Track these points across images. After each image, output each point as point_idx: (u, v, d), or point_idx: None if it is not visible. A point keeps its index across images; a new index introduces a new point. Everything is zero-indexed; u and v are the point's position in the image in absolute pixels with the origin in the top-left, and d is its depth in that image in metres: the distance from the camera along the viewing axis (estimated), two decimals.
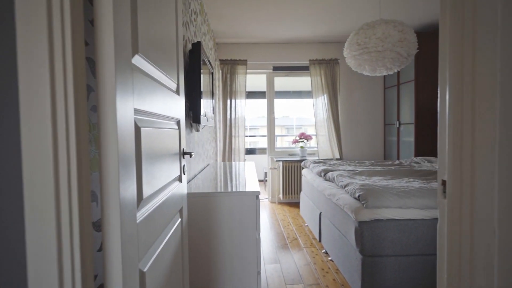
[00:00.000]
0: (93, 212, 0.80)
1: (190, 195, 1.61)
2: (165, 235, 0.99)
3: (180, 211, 1.23)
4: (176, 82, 1.20)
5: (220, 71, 4.28)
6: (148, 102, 0.83)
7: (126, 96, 0.67)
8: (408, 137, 3.93)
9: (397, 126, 4.16)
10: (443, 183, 0.59)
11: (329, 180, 2.49)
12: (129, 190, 0.68)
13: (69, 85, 0.60)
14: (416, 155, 3.73)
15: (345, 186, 2.03)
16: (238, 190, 1.70)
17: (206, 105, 2.35)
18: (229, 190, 1.72)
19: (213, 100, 2.95)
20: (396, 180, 2.22)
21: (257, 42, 4.37)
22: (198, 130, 2.33)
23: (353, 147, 4.59)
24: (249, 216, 1.69)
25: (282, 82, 4.83)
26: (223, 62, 4.25)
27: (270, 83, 4.63)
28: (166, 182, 1.00)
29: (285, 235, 3.18)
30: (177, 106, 1.20)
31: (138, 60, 0.76)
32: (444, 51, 0.59)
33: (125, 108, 0.66)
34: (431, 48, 3.62)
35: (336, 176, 2.31)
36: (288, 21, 3.54)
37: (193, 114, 1.93)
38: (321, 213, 2.60)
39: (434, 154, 3.74)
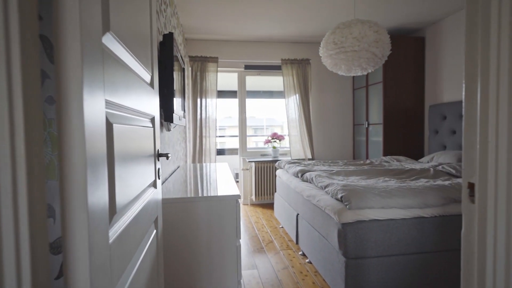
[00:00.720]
0: (49, 231, 0.64)
1: (164, 201, 1.45)
2: (140, 253, 0.84)
3: (155, 221, 1.08)
4: (151, 74, 1.05)
5: (190, 69, 4.09)
6: (122, 94, 0.69)
7: (95, 84, 0.53)
8: (377, 137, 4.05)
9: (366, 126, 4.27)
10: (470, 186, 0.54)
11: (306, 181, 2.44)
12: (100, 201, 0.53)
13: (15, 69, 0.45)
14: (385, 154, 3.85)
15: (325, 187, 1.99)
16: (216, 194, 1.57)
17: (177, 103, 2.18)
18: (206, 194, 1.59)
19: (184, 98, 2.78)
20: (373, 180, 2.23)
21: (229, 40, 4.24)
22: (169, 130, 2.16)
23: (324, 147, 4.64)
24: (228, 221, 1.57)
25: (253, 81, 4.75)
26: (192, 59, 4.06)
27: (242, 82, 4.52)
28: (141, 189, 0.85)
29: (260, 238, 3.09)
30: (151, 102, 1.05)
31: (109, 40, 0.62)
32: (472, 48, 0.53)
33: (94, 99, 0.52)
34: (398, 51, 3.76)
35: (315, 176, 2.26)
36: (261, 18, 3.46)
37: (164, 112, 1.76)
38: (298, 214, 2.55)
39: (402, 153, 3.88)
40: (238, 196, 1.59)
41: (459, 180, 2.23)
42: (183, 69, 2.58)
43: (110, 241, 0.59)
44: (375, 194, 1.68)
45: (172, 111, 1.72)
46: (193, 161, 4.11)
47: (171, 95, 1.72)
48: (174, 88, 1.83)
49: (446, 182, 1.93)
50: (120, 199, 0.65)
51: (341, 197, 1.70)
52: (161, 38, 1.88)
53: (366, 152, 4.32)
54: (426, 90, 3.90)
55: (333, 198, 1.83)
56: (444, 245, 1.72)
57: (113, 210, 0.61)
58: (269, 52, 4.39)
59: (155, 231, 1.06)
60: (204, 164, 3.20)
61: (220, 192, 1.62)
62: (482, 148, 0.48)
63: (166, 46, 1.71)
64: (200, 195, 1.57)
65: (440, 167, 2.61)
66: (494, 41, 0.46)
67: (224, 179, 2.06)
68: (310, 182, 2.34)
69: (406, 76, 3.87)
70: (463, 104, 0.55)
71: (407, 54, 3.84)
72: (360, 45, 2.29)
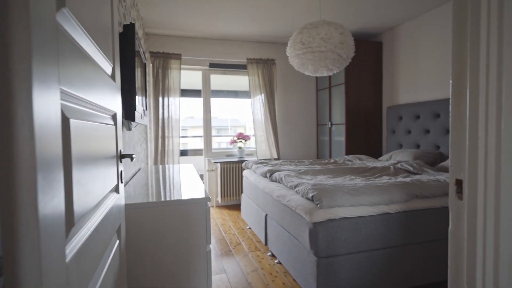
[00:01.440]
0: None
1: (126, 207, 1.32)
2: (102, 268, 0.73)
3: (118, 230, 0.96)
4: (112, 65, 0.93)
5: (151, 65, 3.87)
6: (80, 85, 0.58)
7: (48, 69, 0.43)
8: (339, 136, 4.19)
9: (329, 126, 4.40)
10: (458, 182, 0.54)
11: (275, 181, 2.42)
12: (54, 213, 0.44)
13: None
14: (347, 153, 4.00)
15: (295, 186, 1.98)
16: (184, 198, 1.47)
17: (139, 100, 2.03)
18: (173, 198, 1.48)
19: (146, 96, 2.61)
20: (340, 178, 2.28)
21: (193, 36, 4.10)
22: (130, 129, 2.00)
23: (289, 147, 4.70)
24: (197, 226, 1.48)
25: (218, 80, 4.65)
26: (154, 55, 3.85)
27: (206, 80, 4.40)
28: (102, 196, 0.75)
29: (228, 240, 3.01)
30: (113, 96, 0.93)
31: (65, 19, 0.51)
32: (461, 44, 0.53)
33: (46, 87, 0.42)
34: (358, 54, 3.92)
35: (284, 176, 2.25)
36: (227, 16, 3.39)
37: (125, 109, 1.62)
38: (267, 215, 2.52)
39: (363, 152, 4.06)
40: (208, 199, 1.51)
41: (417, 176, 2.36)
42: (145, 64, 2.42)
43: (67, 259, 0.49)
44: (344, 192, 1.70)
45: (134, 108, 1.59)
46: (155, 162, 3.90)
47: (133, 91, 1.59)
48: (136, 84, 1.69)
49: (407, 179, 2.03)
50: (79, 208, 0.55)
51: (312, 196, 1.70)
52: (121, 29, 1.73)
53: (329, 151, 4.45)
54: (384, 92, 4.13)
55: (304, 197, 1.83)
56: (408, 239, 1.80)
57: (70, 222, 0.51)
58: (234, 51, 4.33)
59: (118, 241, 0.94)
60: (167, 165, 3.04)
61: (188, 196, 1.52)
62: (472, 144, 0.48)
63: (127, 38, 1.57)
64: (165, 199, 1.46)
65: (399, 165, 2.75)
66: (484, 38, 0.46)
67: (191, 181, 1.96)
68: (279, 182, 2.32)
69: (365, 78, 4.06)
70: (450, 101, 0.55)
71: (366, 58, 4.03)
72: (326, 46, 2.33)
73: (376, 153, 4.15)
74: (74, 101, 0.56)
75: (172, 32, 3.91)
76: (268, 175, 2.54)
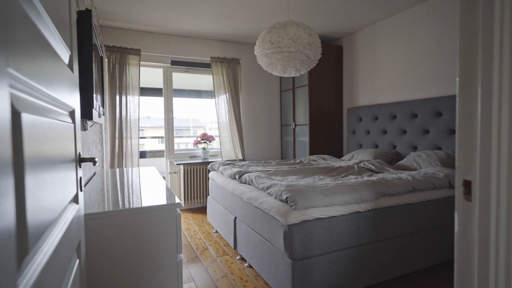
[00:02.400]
0: None
1: (86, 217, 1.16)
2: None
3: (78, 247, 0.82)
4: (70, 52, 0.79)
5: (107, 60, 3.57)
6: (34, 70, 0.46)
7: None
8: (303, 137, 4.26)
9: (293, 127, 4.45)
10: (466, 183, 0.52)
11: (245, 183, 2.36)
12: (1, 239, 0.32)
13: None
14: (311, 153, 4.07)
15: (267, 188, 1.93)
16: (150, 204, 1.34)
17: (96, 97, 1.82)
18: (137, 205, 1.34)
19: (103, 93, 2.39)
20: (309, 179, 2.28)
21: (154, 31, 3.87)
22: (85, 129, 1.79)
23: (254, 147, 4.66)
24: (167, 235, 1.36)
25: (180, 79, 4.45)
26: (109, 49, 3.56)
27: (168, 78, 4.18)
28: (61, 209, 0.61)
29: (194, 246, 2.87)
30: (71, 89, 0.79)
31: None
32: (470, 41, 0.51)
33: None
34: (322, 57, 4.01)
35: (255, 178, 2.19)
36: (191, 11, 3.24)
37: (81, 107, 1.43)
38: (236, 218, 2.44)
39: (326, 152, 4.17)
40: (178, 205, 1.39)
41: (380, 175, 2.46)
42: (101, 58, 2.19)
43: None
44: (318, 193, 1.69)
45: (92, 106, 1.41)
46: (112, 166, 3.60)
47: (90, 85, 1.41)
48: (94, 75, 1.51)
49: (374, 178, 2.09)
50: (34, 228, 0.43)
51: (287, 198, 1.66)
52: (75, 15, 1.52)
53: (293, 151, 4.50)
54: (344, 94, 4.28)
55: (277, 199, 1.78)
56: (377, 236, 1.85)
57: (23, 249, 0.39)
58: (198, 49, 4.18)
59: (77, 260, 0.80)
60: (126, 169, 2.81)
61: (155, 202, 1.39)
62: (484, 144, 0.47)
63: (83, 25, 1.39)
64: (129, 206, 1.31)
65: (362, 164, 2.85)
66: (497, 33, 0.45)
67: (156, 186, 1.81)
68: (250, 184, 2.26)
69: (327, 81, 4.18)
70: (457, 99, 0.53)
71: (328, 61, 4.15)
72: (295, 46, 2.33)
73: (337, 153, 4.29)
74: (27, 91, 0.44)
75: (130, 26, 3.65)
76: (237, 176, 2.46)
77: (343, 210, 1.73)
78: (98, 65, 2.11)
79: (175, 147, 6.05)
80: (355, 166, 2.77)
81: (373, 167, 2.71)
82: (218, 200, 2.92)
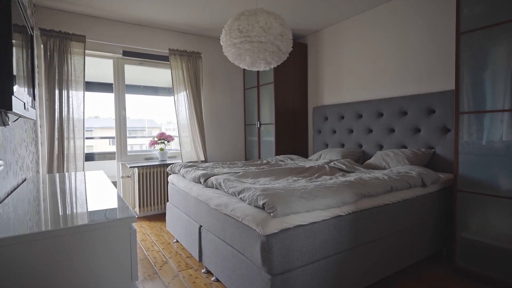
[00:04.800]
0: None
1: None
2: None
3: None
4: None
5: (42, 46, 3.04)
6: None
7: None
8: (268, 136, 4.10)
9: (258, 126, 4.27)
10: None
11: (212, 187, 2.10)
12: None
13: None
14: (277, 153, 3.93)
15: (239, 193, 1.70)
16: (96, 220, 1.04)
17: (22, 85, 1.44)
18: (76, 222, 1.03)
19: (34, 84, 1.96)
20: (282, 180, 2.10)
21: (102, 16, 3.40)
22: (6, 124, 1.39)
23: (216, 148, 4.39)
24: (119, 259, 1.06)
25: (134, 74, 4.01)
26: (46, 33, 3.03)
27: (120, 71, 3.73)
28: None
29: (152, 260, 2.53)
30: None
31: None
32: None
33: None
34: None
35: (223, 181, 1.94)
36: None
37: None
38: (201, 227, 2.17)
39: (291, 152, 4.05)
40: (133, 219, 1.10)
41: (352, 175, 2.38)
42: (31, 37, 1.77)
43: None
44: (298, 197, 1.51)
45: (10, 92, 1.05)
46: (50, 170, 3.07)
47: (9, 66, 1.05)
48: (15, 60, 1.15)
49: (352, 178, 1.98)
50: None
51: (264, 203, 1.45)
52: None
53: (258, 152, 4.32)
54: (309, 93, 4.22)
55: (252, 205, 1.56)
56: (358, 241, 1.72)
57: None
58: (154, 39, 3.79)
59: None
60: (67, 174, 2.37)
61: (102, 216, 1.08)
62: None
63: None
64: (66, 225, 1.00)
65: (332, 164, 2.76)
66: None
67: (105, 194, 1.47)
68: (217, 188, 2.01)
69: (292, 79, 4.07)
70: None
71: (294, 58, 4.04)
72: (266, 36, 2.13)
73: (303, 153, 4.21)
74: None
75: (74, 8, 3.15)
76: (202, 180, 2.19)
77: (324, 214, 1.57)
78: (28, 51, 1.70)
79: (129, 148, 5.51)
80: (326, 166, 2.66)
81: (344, 167, 2.63)
82: (180, 206, 2.61)
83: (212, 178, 2.10)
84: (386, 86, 3.17)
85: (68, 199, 1.41)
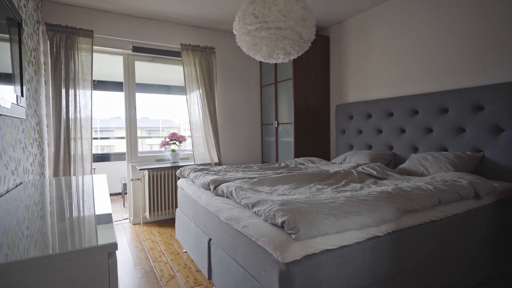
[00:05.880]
0: None
1: None
2: None
3: None
4: None
5: (48, 42, 2.88)
6: None
7: None
8: (287, 137, 3.79)
9: (276, 126, 3.98)
10: None
11: (222, 195, 1.83)
12: None
13: None
14: (296, 155, 3.62)
15: (254, 205, 1.42)
16: (62, 248, 0.79)
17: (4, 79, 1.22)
18: (40, 250, 0.78)
19: (22, 78, 1.77)
20: (304, 189, 1.80)
21: (111, 10, 3.22)
22: None
23: (231, 149, 4.13)
24: None
25: (145, 72, 3.83)
26: (53, 28, 2.88)
27: (130, 68, 3.55)
28: None
29: (158, 273, 2.29)
30: None
31: None
32: None
33: None
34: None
35: (235, 190, 1.67)
36: None
37: None
38: (211, 240, 1.90)
39: (311, 154, 3.73)
40: (114, 247, 0.84)
41: (386, 182, 2.04)
42: (19, 24, 1.57)
43: None
44: (326, 214, 1.20)
45: None
46: (56, 172, 2.91)
47: None
48: None
49: (389, 188, 1.65)
50: None
51: (283, 222, 1.16)
52: None
53: (276, 153, 4.03)
54: (332, 90, 3.88)
55: (268, 222, 1.28)
56: (399, 267, 1.40)
57: None
58: (165, 34, 3.58)
59: None
60: (64, 178, 2.18)
61: (73, 242, 0.83)
62: None
63: None
64: (21, 256, 0.75)
65: (360, 169, 2.42)
66: None
67: (91, 210, 1.23)
68: (229, 198, 1.74)
69: (313, 74, 3.75)
70: None
71: (315, 52, 3.72)
72: (286, 21, 1.84)
73: (325, 155, 3.87)
74: None
75: (80, 1, 2.99)
76: (211, 187, 1.93)
77: (358, 235, 1.26)
78: (13, 43, 1.50)
79: (148, 148, 5.37)
80: (353, 171, 2.33)
81: (375, 172, 2.29)
82: (189, 214, 2.36)
83: (223, 186, 1.83)
84: (421, 80, 2.79)
85: (46, 214, 1.17)
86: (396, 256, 1.38)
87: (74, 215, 1.12)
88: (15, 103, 1.39)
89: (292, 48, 2.00)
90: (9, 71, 1.39)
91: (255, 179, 1.98)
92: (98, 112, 6.24)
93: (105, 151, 7.08)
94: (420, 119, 2.71)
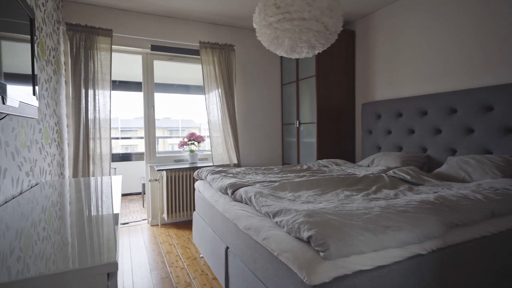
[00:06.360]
0: None
1: None
2: None
3: None
4: None
5: (69, 42, 2.88)
6: None
7: None
8: (309, 137, 3.61)
9: (297, 126, 3.80)
10: None
11: (240, 201, 1.69)
12: None
13: None
14: (319, 157, 3.43)
15: (275, 215, 1.27)
16: (52, 271, 0.68)
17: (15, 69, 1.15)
18: (32, 270, 0.68)
19: (36, 73, 1.72)
20: (331, 195, 1.63)
21: (129, 9, 3.18)
22: None
23: (250, 150, 4.00)
24: None
25: (164, 71, 3.78)
26: (72, 27, 2.87)
27: (148, 67, 3.50)
28: None
29: (174, 280, 2.20)
30: None
31: None
32: None
33: None
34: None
35: (254, 196, 1.52)
36: None
37: None
38: (228, 248, 1.77)
39: (335, 156, 3.52)
40: (113, 266, 0.72)
41: (423, 188, 1.82)
42: (32, 22, 1.51)
43: None
44: (361, 228, 1.03)
45: None
46: (75, 172, 2.90)
47: None
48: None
49: (430, 197, 1.44)
50: None
51: (310, 237, 1.00)
52: None
53: (297, 155, 3.85)
54: (357, 87, 3.65)
55: (292, 235, 1.12)
56: None
57: None
58: (184, 32, 3.51)
59: None
60: (82, 179, 2.13)
61: (75, 257, 0.72)
62: None
63: None
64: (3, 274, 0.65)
65: (391, 173, 2.21)
66: None
67: (99, 219, 1.13)
68: (247, 204, 1.60)
69: (337, 71, 3.54)
70: None
71: (339, 47, 3.51)
72: (311, 11, 1.67)
73: (350, 157, 3.65)
74: None
75: (99, 1, 2.96)
76: (229, 192, 1.80)
77: (398, 254, 1.08)
78: (13, 29, 1.44)
79: (169, 148, 5.36)
80: (383, 175, 2.13)
81: (408, 177, 2.07)
82: (206, 218, 2.25)
83: (241, 190, 1.69)
84: (460, 75, 2.52)
85: (47, 223, 1.08)
86: (442, 278, 1.18)
87: (77, 225, 1.02)
88: (25, 102, 1.32)
89: (317, 41, 1.84)
90: (19, 69, 1.32)
91: (276, 184, 1.83)
92: (121, 112, 6.32)
93: (129, 151, 7.17)
94: (459, 118, 2.45)
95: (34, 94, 1.50)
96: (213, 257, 2.04)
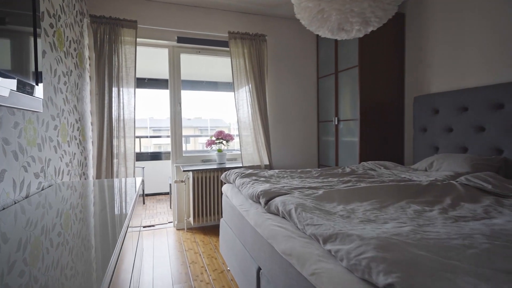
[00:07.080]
0: None
1: None
2: None
3: None
4: None
5: (93, 36, 2.73)
6: None
7: None
8: (350, 136, 3.20)
9: (335, 123, 3.40)
10: None
11: (276, 214, 1.37)
12: None
13: None
14: (361, 158, 3.01)
15: (327, 240, 0.93)
16: None
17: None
18: None
19: (38, 63, 1.52)
20: (392, 209, 1.25)
21: None
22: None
23: (283, 150, 3.67)
24: None
25: (191, 66, 3.56)
26: (96, 19, 2.72)
27: (175, 60, 3.30)
28: None
29: None
30: None
31: None
32: None
33: None
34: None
35: (295, 209, 1.19)
36: None
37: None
38: (260, 270, 1.46)
39: (380, 157, 3.07)
40: None
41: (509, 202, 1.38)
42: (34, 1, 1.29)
43: None
44: (466, 272, 0.66)
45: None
46: (98, 172, 2.75)
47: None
48: None
49: None
50: None
51: (390, 286, 0.65)
52: None
53: (335, 155, 3.45)
54: (407, 78, 3.17)
55: (357, 275, 0.78)
56: None
57: None
58: (212, 22, 3.25)
59: None
60: (98, 181, 1.92)
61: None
62: None
63: None
64: None
65: (463, 180, 1.77)
66: None
67: (103, 234, 0.87)
68: (286, 219, 1.27)
69: (384, 60, 3.09)
70: None
71: (386, 33, 3.05)
72: None
73: (398, 158, 3.18)
74: None
75: None
76: (262, 201, 1.48)
77: None
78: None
79: (200, 147, 5.20)
80: (454, 183, 1.69)
81: (489, 186, 1.62)
82: (234, 228, 1.96)
83: (278, 201, 1.36)
84: None
85: (37, 239, 0.83)
86: None
87: (77, 240, 0.75)
88: (16, 90, 1.10)
89: (373, 13, 1.46)
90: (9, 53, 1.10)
91: (320, 192, 1.48)
92: (153, 111, 6.26)
93: (162, 150, 7.14)
94: None
95: (37, 83, 1.29)
96: (242, 275, 1.74)
